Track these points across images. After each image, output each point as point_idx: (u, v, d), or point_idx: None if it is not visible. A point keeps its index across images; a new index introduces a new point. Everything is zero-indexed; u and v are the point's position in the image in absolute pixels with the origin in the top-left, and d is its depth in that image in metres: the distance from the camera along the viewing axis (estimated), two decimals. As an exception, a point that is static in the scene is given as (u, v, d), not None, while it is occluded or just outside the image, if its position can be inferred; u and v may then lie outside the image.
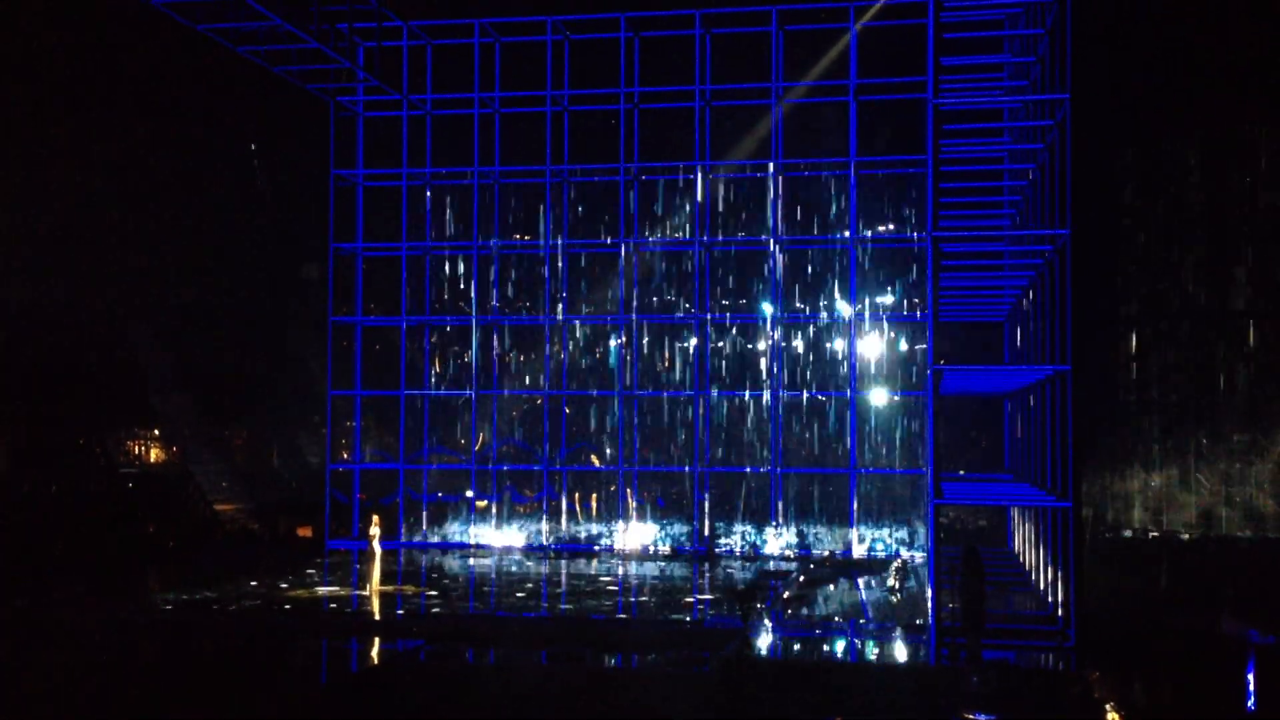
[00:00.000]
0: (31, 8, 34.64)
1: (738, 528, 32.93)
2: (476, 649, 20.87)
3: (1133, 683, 18.28)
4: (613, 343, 34.37)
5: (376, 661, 20.52)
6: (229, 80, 36.36)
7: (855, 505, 31.96)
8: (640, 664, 19.94)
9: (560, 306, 34.10)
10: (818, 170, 33.16)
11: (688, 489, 33.46)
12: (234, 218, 40.76)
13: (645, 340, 34.26)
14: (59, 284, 37.57)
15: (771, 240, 32.85)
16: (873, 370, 32.98)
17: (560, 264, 34.11)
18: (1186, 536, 24.67)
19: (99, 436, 35.88)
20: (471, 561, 31.72)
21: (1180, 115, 24.33)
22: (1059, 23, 21.41)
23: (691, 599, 25.55)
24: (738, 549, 32.35)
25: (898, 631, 21.25)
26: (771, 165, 32.74)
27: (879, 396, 32.83)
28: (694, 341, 33.78)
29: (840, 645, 20.50)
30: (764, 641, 20.66)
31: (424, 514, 34.47)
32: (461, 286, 35.09)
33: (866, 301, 32.76)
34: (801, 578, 28.10)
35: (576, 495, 34.19)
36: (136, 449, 37.40)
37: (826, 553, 31.52)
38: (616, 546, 32.94)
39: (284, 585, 26.34)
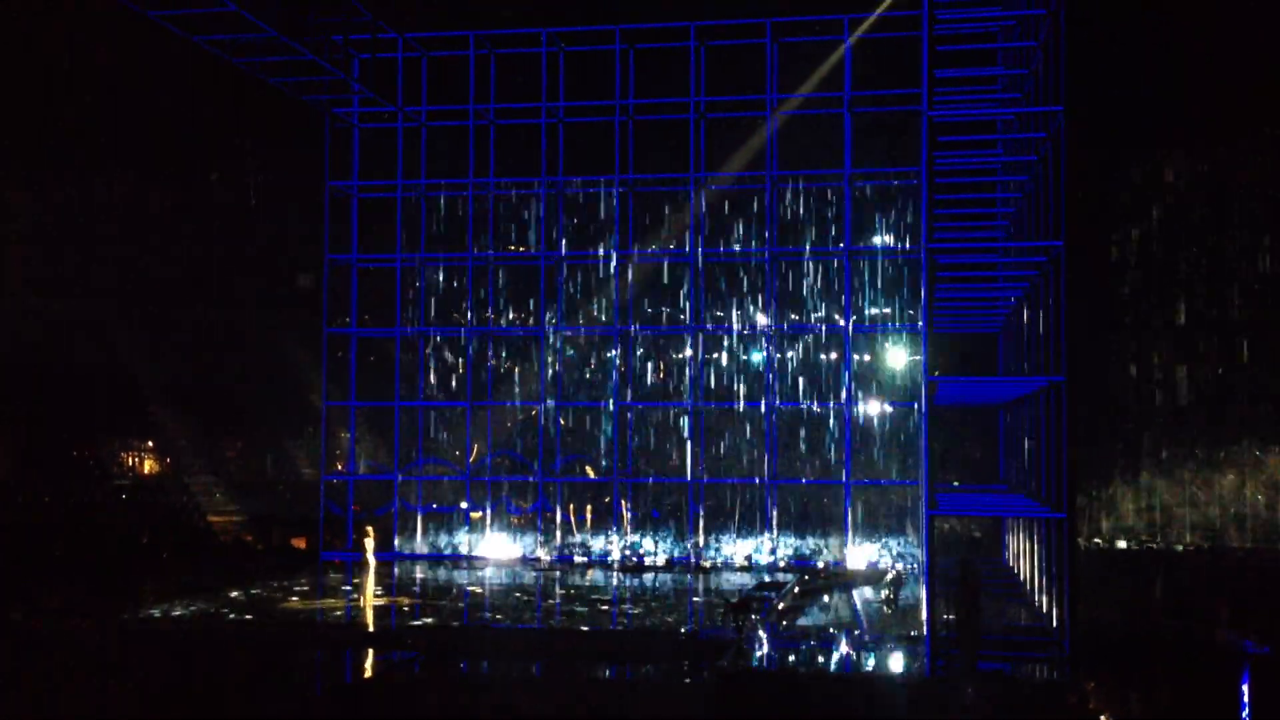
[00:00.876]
0: (29, 15, 34.64)
1: (733, 539, 32.89)
2: (470, 660, 20.83)
3: (1128, 693, 18.27)
4: (611, 353, 34.34)
5: (370, 673, 20.47)
6: (224, 91, 36.36)
7: (850, 516, 31.96)
8: (635, 675, 19.91)
9: (554, 317, 34.10)
10: (812, 182, 33.22)
11: (682, 501, 33.42)
12: (228, 228, 40.72)
13: (640, 352, 34.25)
14: (53, 293, 37.52)
15: (766, 252, 32.90)
16: (868, 381, 32.97)
17: (557, 275, 34.14)
18: (1182, 547, 24.70)
19: (93, 447, 35.80)
20: (466, 573, 31.68)
21: (1175, 125, 24.40)
22: (1052, 35, 21.48)
23: (686, 611, 25.52)
24: (733, 560, 32.32)
25: (893, 643, 21.21)
26: (767, 178, 32.81)
27: (874, 408, 32.83)
28: (689, 353, 33.80)
29: (835, 657, 20.47)
30: (758, 653, 20.63)
31: (418, 525, 34.42)
32: (456, 298, 35.08)
33: (864, 311, 32.79)
34: (796, 589, 28.08)
35: (571, 507, 34.15)
36: (130, 459, 37.29)
37: (822, 564, 31.51)
38: (611, 558, 32.91)
39: (277, 596, 26.28)
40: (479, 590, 28.75)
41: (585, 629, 23.06)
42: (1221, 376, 25.00)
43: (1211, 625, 21.00)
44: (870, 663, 20.02)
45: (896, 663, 19.99)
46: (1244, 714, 16.66)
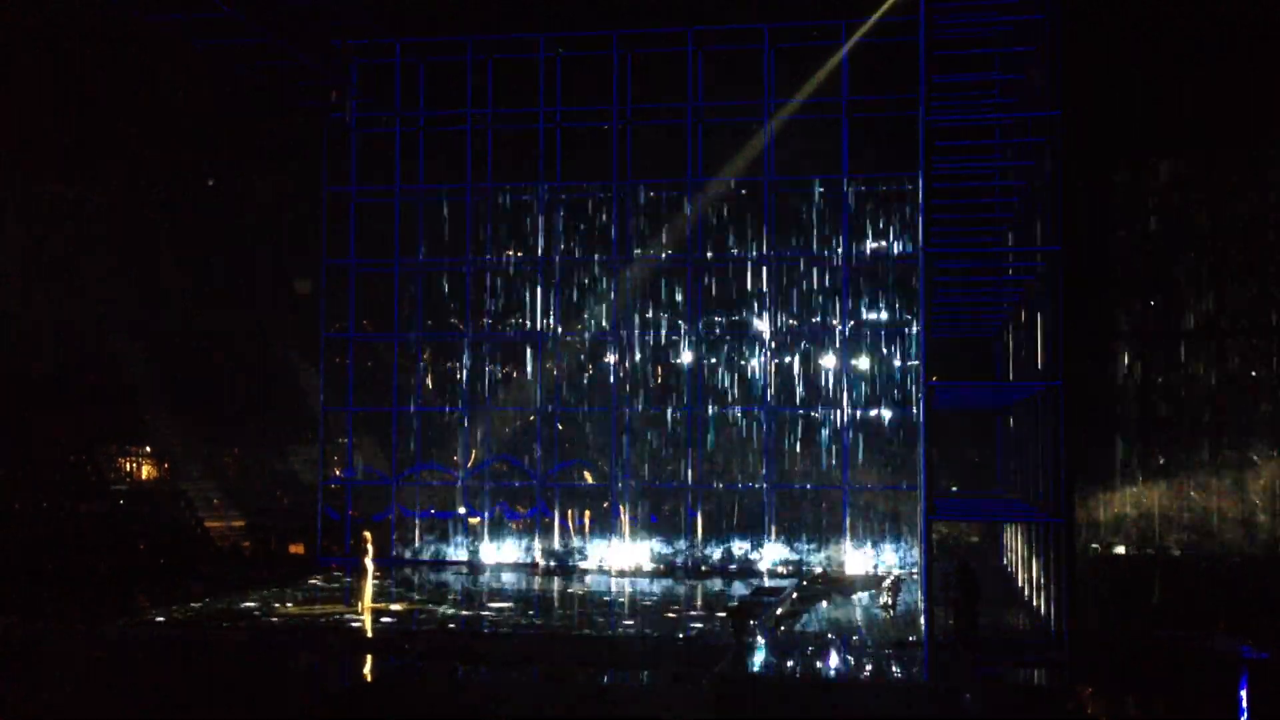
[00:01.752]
0: (26, 25, 34.63)
1: (732, 544, 32.88)
2: (468, 665, 20.80)
3: (1126, 698, 18.27)
4: (608, 358, 34.34)
5: (369, 677, 20.44)
6: (222, 96, 36.40)
7: (848, 521, 31.98)
8: (633, 680, 19.89)
9: (552, 322, 34.12)
10: (809, 187, 33.25)
11: (681, 505, 33.41)
12: (226, 232, 40.74)
13: (638, 357, 34.25)
14: (50, 299, 37.49)
15: (763, 256, 32.94)
16: (864, 386, 32.97)
17: (554, 279, 34.16)
18: (1179, 552, 24.71)
19: (90, 453, 35.75)
20: (463, 578, 31.65)
21: (1173, 129, 24.43)
22: (1048, 40, 21.51)
23: (685, 615, 25.51)
24: (732, 565, 32.31)
25: (891, 648, 21.19)
26: (764, 182, 32.86)
27: (871, 412, 32.83)
28: (687, 358, 33.82)
29: (833, 662, 20.46)
30: (757, 658, 20.61)
31: (416, 531, 34.39)
32: (453, 303, 35.07)
33: (861, 316, 32.81)
34: (795, 594, 28.06)
35: (570, 512, 34.13)
36: (127, 465, 37.22)
37: (820, 569, 31.50)
38: (609, 563, 32.90)
39: (275, 602, 26.25)
40: (477, 594, 28.71)
41: (582, 634, 23.04)
42: (1219, 381, 25.02)
43: (1209, 630, 21.00)
44: (869, 667, 20.01)
45: (895, 668, 19.97)
46: (1242, 718, 16.66)
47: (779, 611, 25.21)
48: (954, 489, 30.94)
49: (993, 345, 32.31)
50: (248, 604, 25.91)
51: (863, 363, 33.02)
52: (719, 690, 18.20)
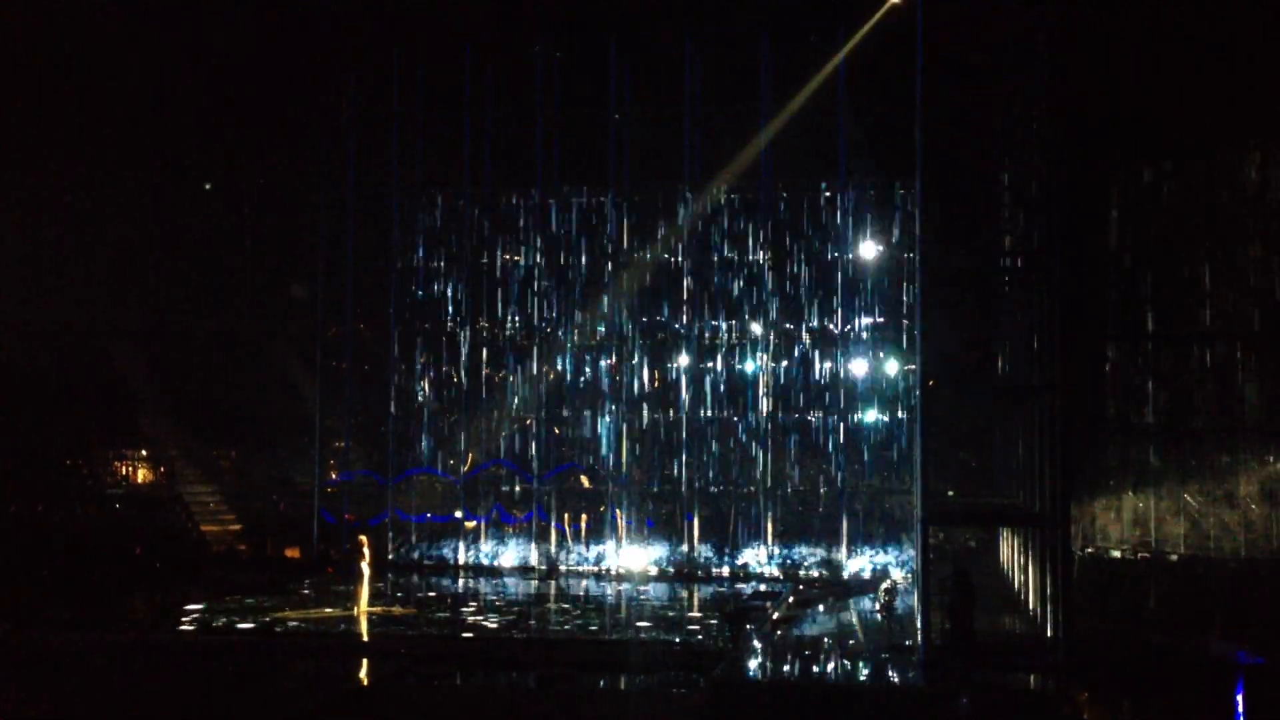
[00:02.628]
0: (24, 24, 34.62)
1: (728, 548, 32.84)
2: (464, 670, 20.77)
3: (1121, 703, 18.26)
4: (603, 362, 34.34)
5: (364, 682, 20.41)
6: (219, 98, 36.39)
7: (845, 525, 31.96)
8: (629, 685, 19.87)
9: (550, 326, 34.12)
10: (806, 191, 33.27)
11: (678, 510, 33.38)
12: (222, 235, 40.68)
13: (635, 360, 34.21)
14: (45, 302, 37.45)
15: (761, 259, 32.97)
16: (861, 390, 32.96)
17: (551, 282, 34.17)
18: (1175, 557, 24.65)
19: (86, 457, 35.71)
20: (459, 582, 31.61)
21: (1171, 134, 24.41)
22: (1047, 44, 21.53)
23: (681, 620, 25.48)
24: (728, 570, 32.28)
25: (887, 653, 21.18)
26: (761, 186, 32.89)
27: (869, 416, 32.83)
28: (684, 361, 33.80)
29: (830, 666, 20.44)
30: (754, 662, 20.60)
31: (412, 535, 34.35)
32: (451, 306, 35.04)
33: (859, 320, 32.82)
34: (791, 598, 28.05)
35: (566, 516, 34.08)
36: (124, 470, 37.18)
37: (816, 574, 31.48)
38: (606, 567, 32.87)
39: (270, 606, 26.19)
40: (474, 599, 28.66)
41: (577, 638, 23.01)
42: (1216, 386, 24.97)
43: (1205, 635, 20.97)
44: (865, 672, 19.99)
45: (892, 672, 19.96)
46: (1238, 724, 16.65)
47: (775, 616, 25.20)
48: (950, 493, 30.90)
49: (990, 349, 32.29)
50: (243, 608, 25.85)
51: (860, 366, 32.99)
52: (715, 694, 18.17)
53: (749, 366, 33.95)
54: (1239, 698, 16.80)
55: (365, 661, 21.49)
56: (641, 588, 30.57)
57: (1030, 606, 23.48)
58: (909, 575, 30.01)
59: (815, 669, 20.37)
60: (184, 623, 24.07)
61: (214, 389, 39.54)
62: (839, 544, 31.97)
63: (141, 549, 32.37)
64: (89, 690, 19.22)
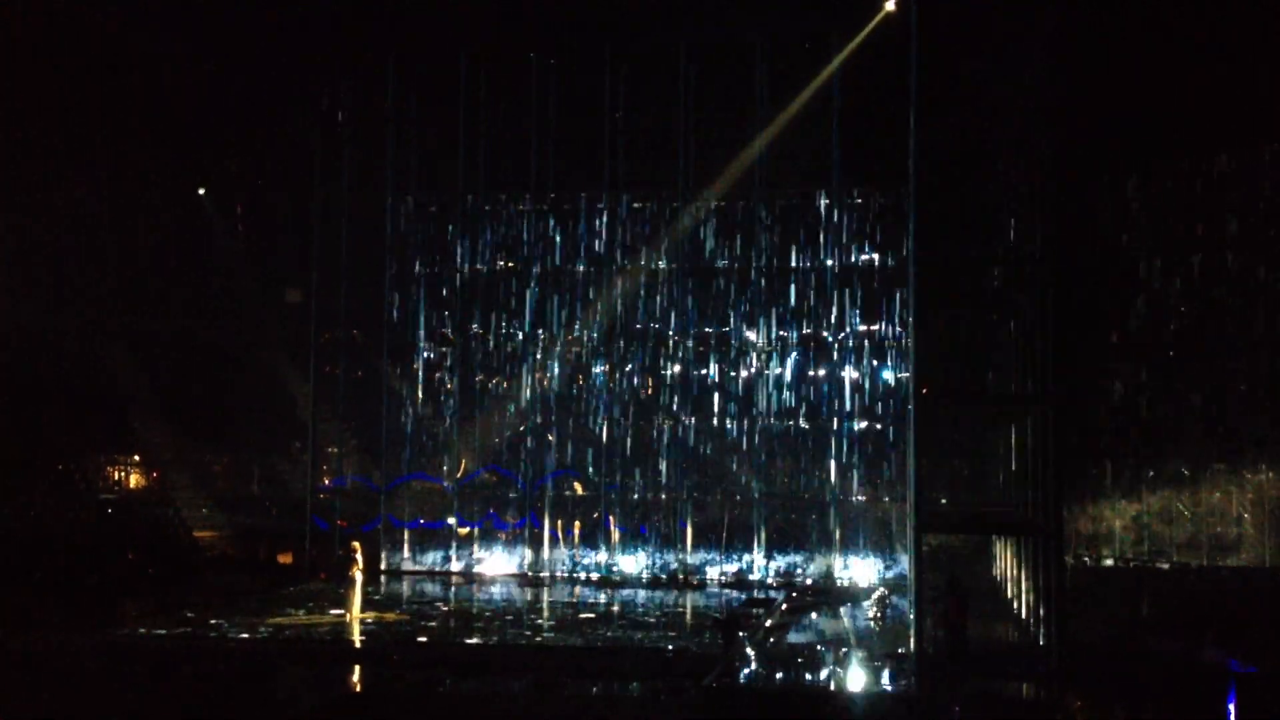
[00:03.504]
0: (22, 27, 34.56)
1: (721, 556, 32.82)
2: (456, 676, 20.73)
3: (1114, 711, 18.26)
4: (596, 368, 34.32)
5: (357, 688, 20.37)
6: (213, 102, 36.32)
7: (838, 534, 31.95)
8: (621, 691, 19.84)
9: (543, 332, 34.11)
10: (801, 196, 33.31)
11: (671, 516, 33.35)
12: (215, 240, 40.59)
13: (629, 367, 34.20)
14: (38, 306, 37.35)
15: (755, 266, 33.00)
16: (855, 397, 32.97)
17: (545, 288, 34.17)
18: (1168, 565, 24.70)
19: (78, 462, 35.62)
20: (452, 588, 31.57)
21: (1168, 141, 24.51)
22: (1042, 51, 21.58)
23: (674, 626, 25.45)
24: (720, 578, 32.27)
25: (880, 660, 21.16)
26: (756, 192, 32.92)
27: (862, 423, 32.83)
28: (676, 368, 33.79)
29: (823, 674, 20.41)
30: (745, 669, 20.57)
31: (405, 541, 34.29)
32: (444, 312, 35.02)
33: (852, 327, 32.84)
34: (784, 606, 28.03)
35: (559, 523, 34.05)
36: (116, 474, 37.10)
37: (810, 581, 31.47)
38: (598, 573, 32.84)
39: (263, 611, 26.13)
40: (466, 605, 28.62)
41: (570, 644, 22.97)
42: (1209, 395, 25.06)
43: (1198, 643, 20.99)
44: (858, 679, 19.96)
45: (884, 680, 19.94)
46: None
47: (768, 623, 25.18)
48: (943, 501, 30.91)
49: (984, 357, 32.33)
50: (235, 614, 25.78)
51: (853, 373, 33.00)
52: (707, 701, 18.14)
53: (742, 373, 33.91)
54: (1230, 706, 16.82)
55: (358, 667, 21.44)
56: (634, 594, 30.53)
57: (1023, 614, 23.48)
58: (901, 583, 30.01)
59: (807, 676, 20.35)
60: (173, 627, 23.97)
61: (207, 394, 39.43)
62: (832, 551, 31.95)
63: (134, 553, 32.30)
64: (82, 694, 19.15)
